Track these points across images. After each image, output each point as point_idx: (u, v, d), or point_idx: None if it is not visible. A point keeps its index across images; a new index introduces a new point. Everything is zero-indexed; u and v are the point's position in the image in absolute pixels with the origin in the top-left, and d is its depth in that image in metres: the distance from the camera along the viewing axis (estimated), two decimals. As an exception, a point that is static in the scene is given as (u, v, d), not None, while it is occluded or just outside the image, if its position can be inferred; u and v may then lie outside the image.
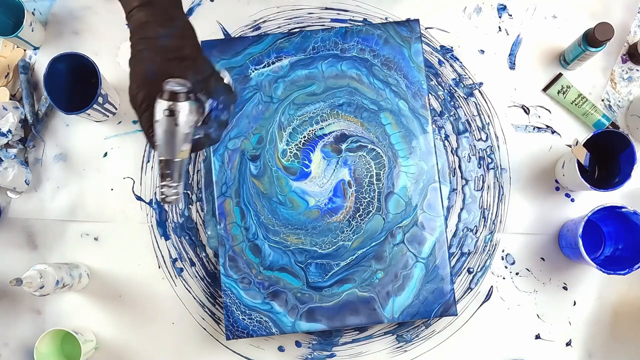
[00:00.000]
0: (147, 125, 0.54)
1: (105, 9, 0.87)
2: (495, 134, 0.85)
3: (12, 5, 0.82)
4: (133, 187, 0.85)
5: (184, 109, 0.51)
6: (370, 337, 0.82)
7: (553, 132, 0.85)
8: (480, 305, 0.82)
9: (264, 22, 0.87)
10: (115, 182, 0.85)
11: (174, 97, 0.50)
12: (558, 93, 0.84)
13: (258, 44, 0.82)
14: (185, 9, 0.87)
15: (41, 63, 0.86)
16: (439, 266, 0.78)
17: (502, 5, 0.87)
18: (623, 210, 0.74)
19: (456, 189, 0.84)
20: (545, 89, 0.85)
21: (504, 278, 0.83)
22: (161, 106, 0.51)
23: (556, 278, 0.83)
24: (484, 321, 0.82)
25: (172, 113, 0.50)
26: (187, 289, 0.83)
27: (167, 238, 0.84)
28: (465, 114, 0.85)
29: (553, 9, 0.86)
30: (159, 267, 0.83)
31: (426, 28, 0.86)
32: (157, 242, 0.84)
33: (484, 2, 0.87)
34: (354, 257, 0.78)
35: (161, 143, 0.52)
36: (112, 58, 0.87)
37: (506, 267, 0.83)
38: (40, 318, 0.83)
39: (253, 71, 0.81)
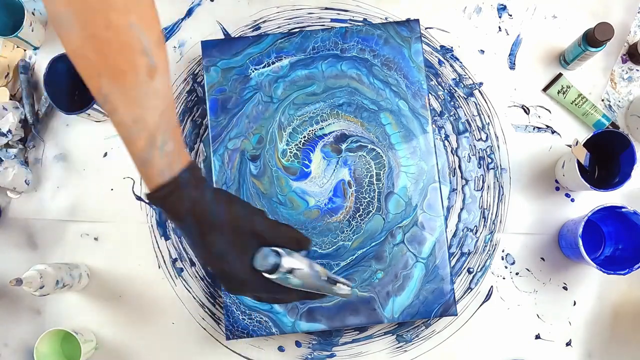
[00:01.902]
0: (282, 293, 0.54)
1: (105, 9, 0.87)
2: (495, 134, 0.85)
3: (12, 5, 0.82)
4: (133, 187, 0.85)
5: (294, 256, 0.52)
6: (370, 337, 0.82)
7: (553, 132, 0.85)
8: (480, 305, 0.82)
9: (264, 22, 0.87)
10: (115, 182, 0.85)
11: (277, 265, 0.51)
12: (558, 93, 0.84)
13: (258, 44, 0.82)
14: (185, 9, 0.87)
15: (41, 63, 0.86)
16: (439, 266, 0.78)
17: (502, 5, 0.87)
18: (623, 210, 0.74)
19: (456, 189, 0.84)
20: (545, 89, 0.85)
21: (504, 278, 0.83)
22: (278, 277, 0.51)
23: (556, 278, 0.83)
24: (484, 321, 0.82)
25: (290, 271, 0.51)
26: (187, 289, 0.83)
27: (167, 238, 0.84)
28: (465, 114, 0.85)
29: (553, 9, 0.86)
30: (159, 267, 0.83)
31: (426, 28, 0.86)
32: (157, 242, 0.84)
33: (484, 2, 0.87)
34: (354, 257, 0.78)
35: (306, 285, 0.53)
36: (112, 58, 0.87)
37: (506, 267, 0.83)
38: (40, 318, 0.83)
39: (253, 71, 0.81)
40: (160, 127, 0.50)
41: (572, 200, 0.84)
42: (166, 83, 0.50)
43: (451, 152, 0.85)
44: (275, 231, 0.53)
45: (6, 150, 0.84)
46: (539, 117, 0.85)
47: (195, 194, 0.51)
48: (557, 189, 0.84)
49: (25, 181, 0.83)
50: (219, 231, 0.51)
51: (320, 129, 0.80)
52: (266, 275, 0.51)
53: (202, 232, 0.51)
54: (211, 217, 0.51)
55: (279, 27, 0.87)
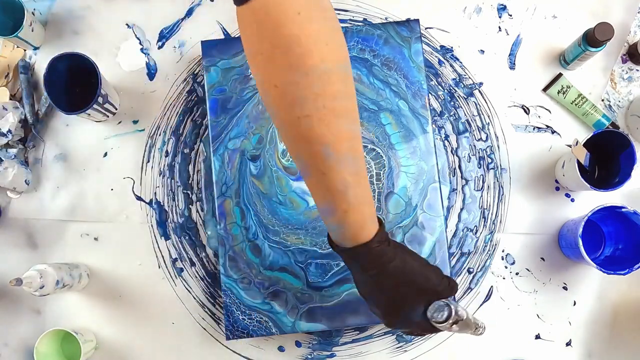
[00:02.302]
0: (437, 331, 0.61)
1: (105, 9, 0.87)
2: (495, 134, 0.85)
3: (12, 5, 0.82)
4: (133, 187, 0.85)
5: (460, 311, 0.58)
6: (370, 337, 0.82)
7: (553, 132, 0.85)
8: (480, 305, 0.82)
9: (264, 22, 0.87)
10: (115, 182, 0.85)
11: (449, 318, 0.58)
12: (558, 93, 0.84)
13: (258, 44, 0.81)
14: (185, 9, 0.87)
15: (41, 63, 0.86)
16: (439, 266, 0.78)
17: (502, 5, 0.87)
18: (623, 210, 0.74)
19: (456, 189, 0.84)
20: (545, 89, 0.85)
21: (504, 278, 0.83)
22: (445, 327, 0.58)
23: (556, 278, 0.83)
24: (484, 321, 0.82)
25: (456, 321, 0.58)
26: (187, 289, 0.83)
27: (167, 238, 0.84)
28: (465, 114, 0.85)
29: (553, 9, 0.86)
30: (159, 267, 0.83)
31: (426, 28, 0.86)
32: (157, 242, 0.84)
33: (484, 2, 0.87)
34: (354, 257, 0.78)
35: (465, 331, 0.62)
36: (112, 58, 0.87)
37: (506, 267, 0.83)
38: (40, 318, 0.83)
39: (253, 71, 0.81)
40: (367, 185, 0.56)
41: (572, 200, 0.84)
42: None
43: (451, 152, 0.85)
44: (447, 287, 0.59)
45: (6, 150, 0.84)
46: (539, 117, 0.85)
47: (386, 249, 0.57)
48: (557, 189, 0.84)
49: (25, 181, 0.83)
50: (401, 285, 0.58)
51: (320, 129, 0.80)
52: (434, 323, 0.58)
53: (386, 284, 0.58)
54: (396, 272, 0.57)
55: (279, 27, 0.87)
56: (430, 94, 0.85)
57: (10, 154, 0.84)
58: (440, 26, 0.86)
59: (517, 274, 0.83)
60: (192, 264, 0.83)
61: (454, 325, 0.58)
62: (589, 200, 0.83)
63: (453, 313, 0.57)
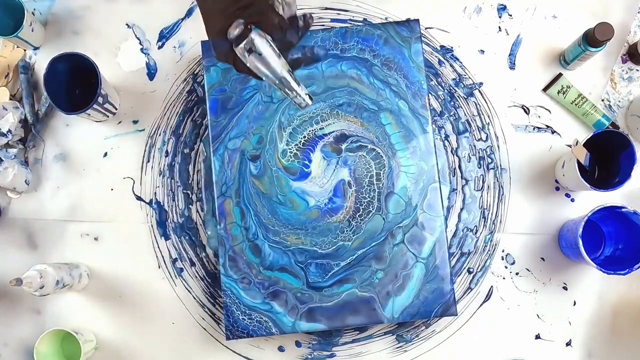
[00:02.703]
0: (245, 70, 0.56)
1: (105, 9, 0.87)
2: (495, 134, 0.85)
3: (12, 5, 0.82)
4: (133, 187, 0.85)
5: (255, 38, 0.53)
6: (370, 337, 0.82)
7: (553, 132, 0.85)
8: (480, 305, 0.82)
9: (264, 22, 0.87)
10: (115, 182, 0.85)
11: (240, 38, 0.53)
12: (558, 93, 0.84)
13: (258, 44, 0.81)
14: (185, 9, 0.87)
15: (41, 63, 0.86)
16: (439, 266, 0.78)
17: (502, 5, 0.87)
18: (623, 210, 0.74)
19: (456, 189, 0.84)
20: (545, 89, 0.85)
21: (504, 278, 0.83)
22: (239, 51, 0.53)
23: (556, 278, 0.83)
24: (484, 321, 0.82)
25: (250, 50, 0.53)
26: (187, 289, 0.83)
27: (167, 238, 0.84)
28: (465, 114, 0.85)
29: (553, 9, 0.86)
30: (159, 267, 0.83)
31: (426, 28, 0.86)
32: (157, 242, 0.84)
33: (484, 2, 0.87)
34: (354, 257, 0.78)
35: (265, 73, 0.55)
36: (112, 58, 0.87)
37: (506, 267, 0.83)
38: (40, 318, 0.83)
39: (253, 71, 0.81)
40: None
41: (572, 200, 0.84)
42: None
43: (451, 152, 0.85)
44: (263, 14, 0.54)
45: (6, 150, 0.84)
46: (539, 117, 0.85)
47: None
48: (557, 189, 0.84)
49: (25, 181, 0.83)
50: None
51: (320, 129, 0.80)
52: (235, 47, 0.53)
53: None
54: None
55: (279, 27, 0.87)
56: (430, 94, 0.85)
57: (10, 154, 0.84)
58: (440, 26, 0.86)
59: (517, 274, 0.83)
60: (192, 264, 0.83)
61: (249, 58, 0.53)
62: (589, 200, 0.83)
63: (247, 40, 0.52)
